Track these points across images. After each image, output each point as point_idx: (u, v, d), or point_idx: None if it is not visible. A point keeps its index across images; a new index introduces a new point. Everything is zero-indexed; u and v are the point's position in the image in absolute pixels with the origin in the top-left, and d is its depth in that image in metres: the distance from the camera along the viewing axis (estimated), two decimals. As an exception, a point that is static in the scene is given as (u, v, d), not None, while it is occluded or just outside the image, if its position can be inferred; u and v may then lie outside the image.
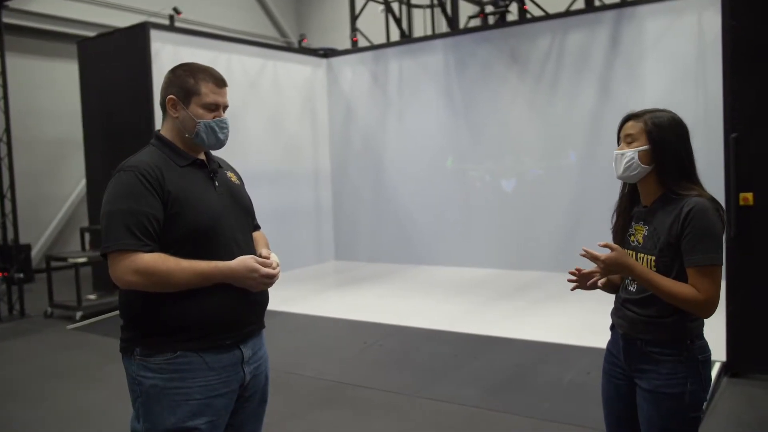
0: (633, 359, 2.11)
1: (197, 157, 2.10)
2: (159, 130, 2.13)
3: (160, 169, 1.97)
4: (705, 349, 2.07)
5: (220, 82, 2.09)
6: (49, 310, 7.13)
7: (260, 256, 2.04)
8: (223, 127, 2.09)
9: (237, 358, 2.03)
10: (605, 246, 2.03)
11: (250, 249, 2.12)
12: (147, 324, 1.95)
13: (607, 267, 2.00)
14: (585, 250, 2.00)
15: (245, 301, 2.03)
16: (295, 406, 4.22)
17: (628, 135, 2.10)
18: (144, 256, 1.87)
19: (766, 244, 4.15)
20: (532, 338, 5.35)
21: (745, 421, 3.77)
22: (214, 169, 2.12)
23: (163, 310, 1.93)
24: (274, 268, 2.02)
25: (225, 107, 2.11)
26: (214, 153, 2.21)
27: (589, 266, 2.15)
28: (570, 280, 2.22)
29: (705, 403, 2.10)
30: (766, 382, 4.21)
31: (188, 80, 2.04)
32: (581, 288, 2.21)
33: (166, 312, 1.93)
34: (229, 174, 2.21)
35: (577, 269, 2.19)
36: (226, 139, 2.12)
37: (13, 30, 10.09)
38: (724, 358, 4.33)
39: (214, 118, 2.07)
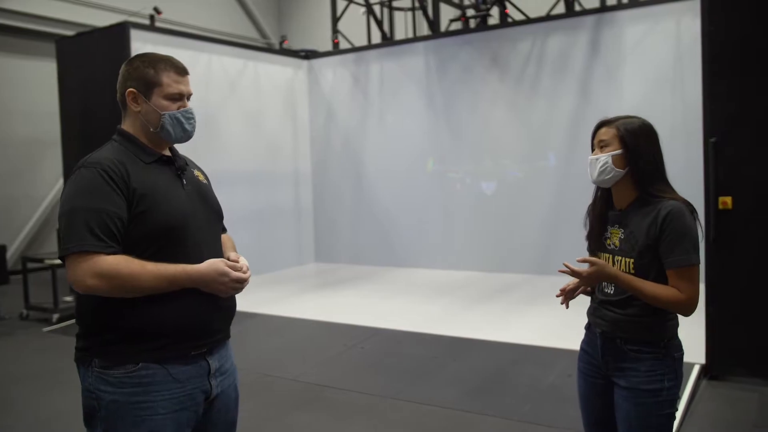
0: (611, 358, 2.16)
1: (163, 153, 1.97)
2: (120, 126, 2.01)
3: (125, 165, 1.84)
4: (680, 347, 2.15)
5: (181, 71, 1.97)
6: (25, 312, 7.00)
7: (229, 260, 1.94)
8: (190, 117, 1.97)
9: (204, 369, 1.91)
10: (584, 261, 2.09)
11: (220, 252, 2.01)
12: (107, 331, 1.82)
13: (590, 281, 2.10)
14: (566, 265, 2.06)
15: (214, 307, 1.91)
16: (274, 408, 4.19)
17: (601, 141, 2.17)
18: (107, 259, 1.73)
19: (744, 247, 4.19)
20: (512, 340, 5.36)
21: (723, 423, 3.80)
22: (181, 167, 1.99)
23: (125, 317, 1.79)
24: (244, 272, 1.91)
25: (189, 96, 1.99)
26: (181, 151, 2.10)
27: (569, 277, 2.17)
28: (559, 297, 2.26)
29: (678, 400, 2.16)
30: (744, 385, 4.25)
31: (148, 71, 1.92)
32: (569, 300, 2.25)
33: (130, 318, 1.79)
34: (196, 173, 2.09)
35: (561, 289, 2.24)
36: (194, 131, 1.99)
37: (-11, 28, 9.96)
38: (703, 360, 4.36)
39: (179, 108, 1.94)
